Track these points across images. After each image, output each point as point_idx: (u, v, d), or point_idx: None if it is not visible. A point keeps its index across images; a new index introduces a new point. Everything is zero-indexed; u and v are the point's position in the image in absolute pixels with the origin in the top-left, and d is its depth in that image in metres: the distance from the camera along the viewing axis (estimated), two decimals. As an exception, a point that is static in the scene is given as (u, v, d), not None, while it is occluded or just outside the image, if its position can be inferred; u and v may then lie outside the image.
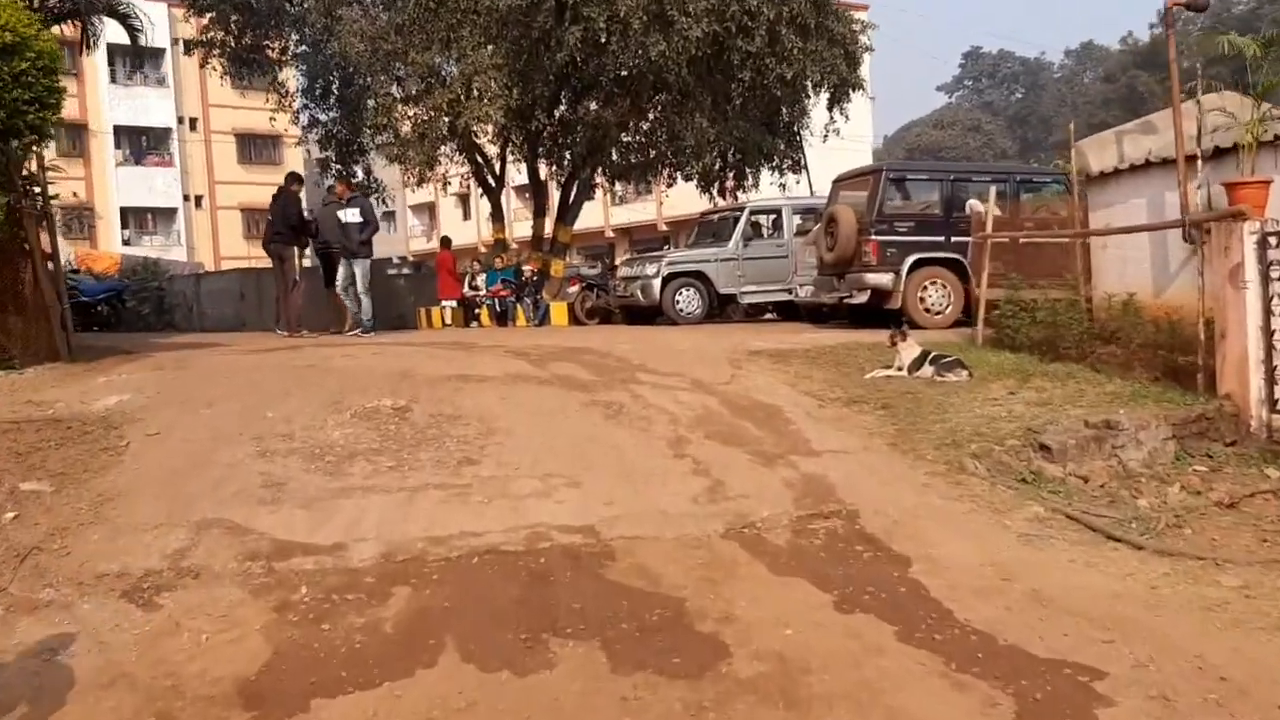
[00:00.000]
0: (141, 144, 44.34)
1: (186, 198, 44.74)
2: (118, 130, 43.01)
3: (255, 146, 45.78)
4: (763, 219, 17.00)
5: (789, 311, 16.75)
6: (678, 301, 15.60)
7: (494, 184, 20.90)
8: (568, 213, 20.37)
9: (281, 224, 11.93)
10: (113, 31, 17.89)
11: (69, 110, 42.56)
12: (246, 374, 7.61)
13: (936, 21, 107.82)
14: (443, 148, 19.82)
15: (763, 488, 5.67)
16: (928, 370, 8.08)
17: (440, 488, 5.48)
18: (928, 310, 11.93)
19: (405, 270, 21.09)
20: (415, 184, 19.33)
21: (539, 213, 20.96)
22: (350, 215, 11.93)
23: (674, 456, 6.21)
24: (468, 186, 22.84)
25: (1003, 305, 9.08)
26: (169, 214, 44.43)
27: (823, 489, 5.69)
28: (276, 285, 12.22)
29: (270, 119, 22.34)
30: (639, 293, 15.77)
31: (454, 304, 18.21)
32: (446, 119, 16.72)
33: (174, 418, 6.44)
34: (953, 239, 11.98)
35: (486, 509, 5.24)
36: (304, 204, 12.82)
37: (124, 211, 43.08)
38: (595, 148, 19.19)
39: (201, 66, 21.71)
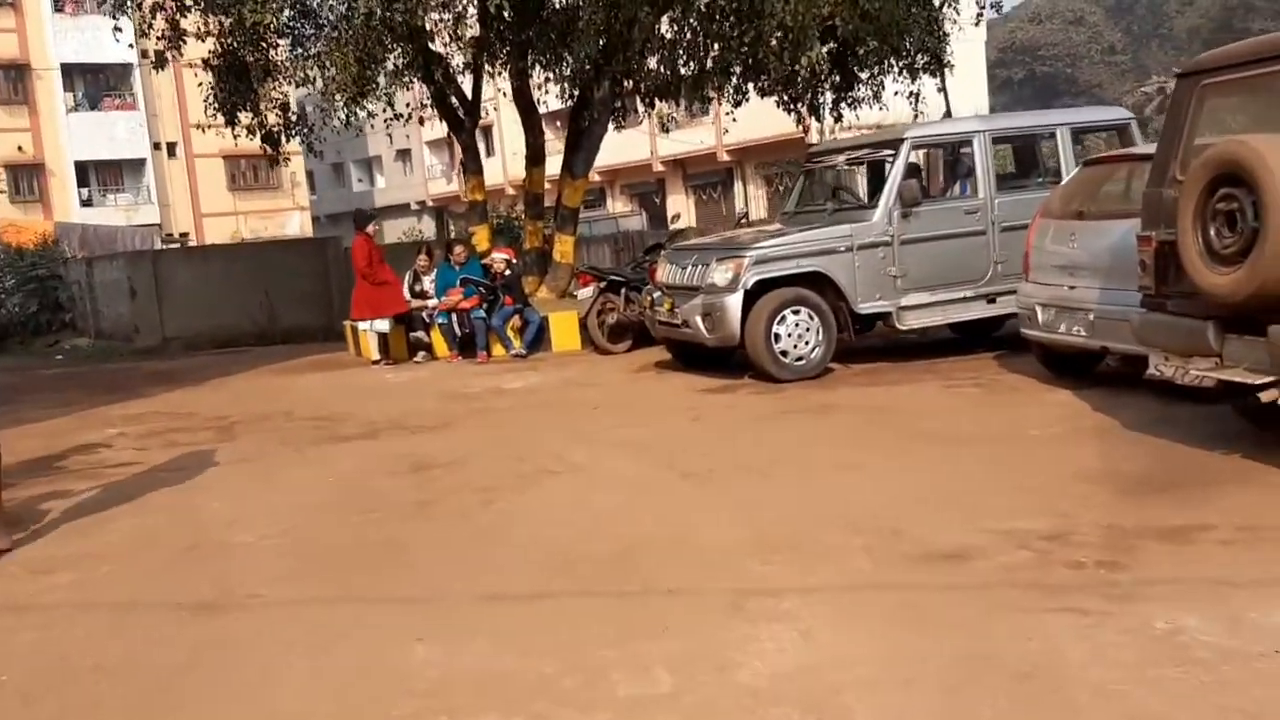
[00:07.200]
0: (98, 84, 37.16)
1: (156, 146, 37.48)
2: (67, 69, 35.78)
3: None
4: (928, 156, 9.07)
5: (972, 340, 8.94)
6: (778, 337, 7.80)
7: (463, 114, 13.19)
8: (577, 156, 12.59)
9: None
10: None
11: (7, 48, 35.73)
12: None
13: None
14: (383, 55, 12.33)
15: None
16: None
17: None
18: None
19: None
20: (343, 119, 12.04)
21: (533, 159, 13.11)
22: None
23: None
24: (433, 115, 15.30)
25: None
26: (136, 166, 37.32)
27: None
28: None
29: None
30: (699, 321, 7.95)
31: (385, 324, 10.69)
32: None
33: None
34: None
35: None
36: None
37: (80, 166, 36.03)
38: (617, 45, 11.41)
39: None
